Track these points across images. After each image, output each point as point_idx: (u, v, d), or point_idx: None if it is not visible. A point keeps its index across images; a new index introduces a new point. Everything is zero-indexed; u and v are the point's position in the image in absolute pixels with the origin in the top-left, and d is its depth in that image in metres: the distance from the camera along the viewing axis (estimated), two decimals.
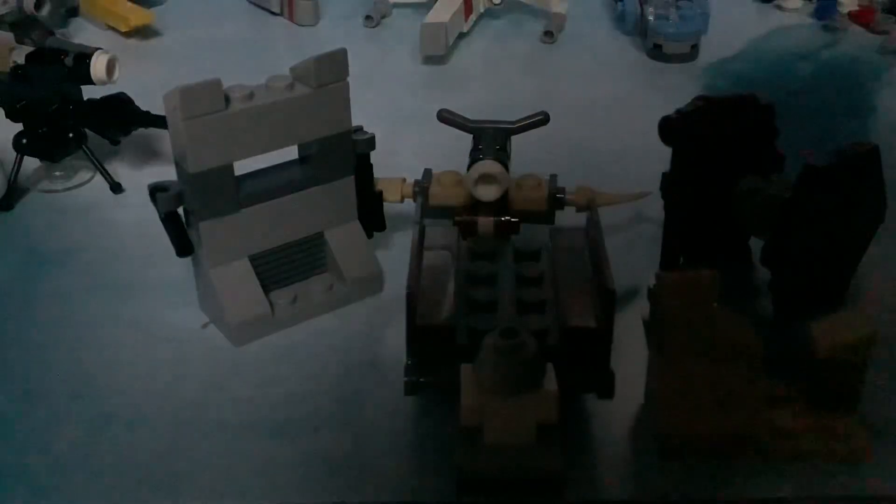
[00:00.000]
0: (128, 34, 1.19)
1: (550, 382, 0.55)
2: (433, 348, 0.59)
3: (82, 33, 1.20)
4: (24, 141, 0.84)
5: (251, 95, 0.64)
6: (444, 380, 0.58)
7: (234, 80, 0.65)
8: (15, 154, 0.84)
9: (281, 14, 1.26)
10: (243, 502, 0.55)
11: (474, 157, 0.70)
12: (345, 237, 0.71)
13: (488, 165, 0.69)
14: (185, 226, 0.66)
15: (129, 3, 1.21)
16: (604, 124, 0.98)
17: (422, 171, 0.77)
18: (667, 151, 0.65)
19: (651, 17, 1.14)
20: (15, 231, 0.81)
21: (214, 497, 0.55)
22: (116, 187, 0.87)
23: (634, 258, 0.76)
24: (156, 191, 0.64)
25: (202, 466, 0.57)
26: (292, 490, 0.56)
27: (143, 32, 1.20)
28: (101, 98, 0.85)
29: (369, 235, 0.73)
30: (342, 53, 0.66)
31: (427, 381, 0.58)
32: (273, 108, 0.65)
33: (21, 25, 1.04)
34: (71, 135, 0.85)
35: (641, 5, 1.17)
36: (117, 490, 0.56)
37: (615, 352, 0.60)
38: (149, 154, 0.92)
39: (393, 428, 0.58)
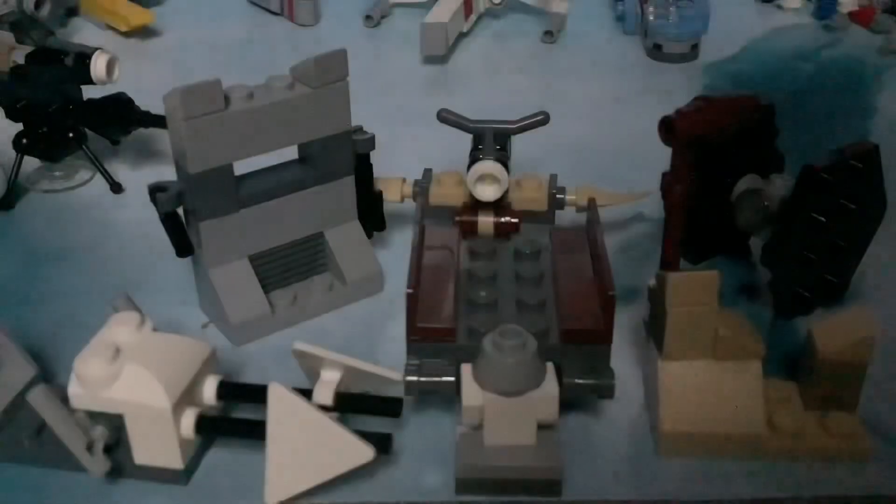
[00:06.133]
0: (128, 34, 1.19)
1: (550, 382, 0.55)
2: (433, 348, 0.59)
3: (82, 33, 1.20)
4: (24, 141, 0.84)
5: (251, 95, 0.64)
6: (444, 380, 0.58)
7: (234, 80, 0.65)
8: (15, 154, 0.84)
9: (281, 14, 1.26)
10: (245, 501, 0.55)
11: (474, 157, 0.70)
12: (345, 237, 0.71)
13: (488, 165, 0.69)
14: (185, 226, 0.66)
15: (129, 3, 1.21)
16: (604, 124, 0.98)
17: (422, 171, 0.77)
18: (667, 151, 0.65)
19: (651, 17, 1.14)
20: (15, 231, 0.81)
21: (218, 497, 0.55)
22: (116, 187, 0.87)
23: (634, 258, 0.76)
24: (156, 191, 0.64)
25: (205, 466, 0.57)
26: None
27: (143, 32, 1.20)
28: (101, 98, 0.85)
29: (369, 235, 0.73)
30: (342, 53, 0.66)
31: (427, 381, 0.58)
32: (273, 108, 0.65)
33: (21, 25, 1.04)
34: (71, 135, 0.85)
35: (641, 5, 1.17)
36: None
37: (615, 352, 0.60)
38: (149, 154, 0.92)
39: (393, 428, 0.58)
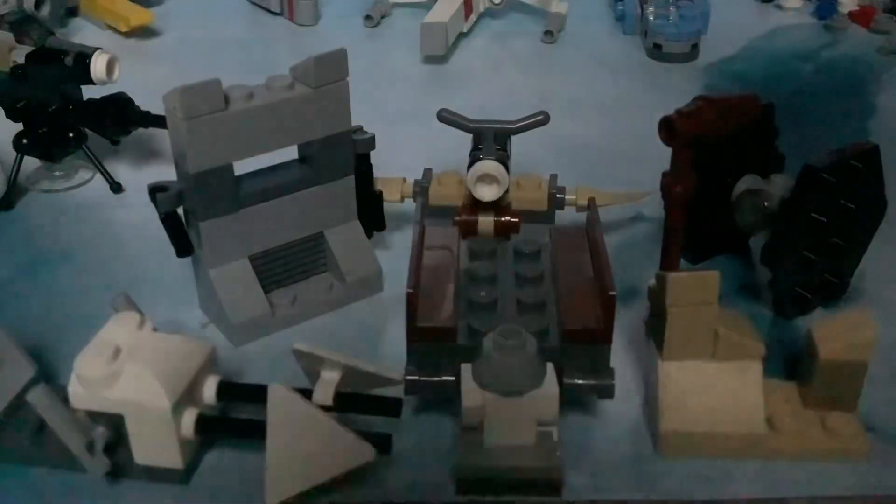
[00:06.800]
0: (128, 34, 1.19)
1: (550, 382, 0.55)
2: (433, 348, 0.59)
3: (82, 33, 1.20)
4: (24, 141, 0.84)
5: (251, 95, 0.64)
6: (444, 380, 0.58)
7: (234, 80, 0.65)
8: (15, 154, 0.84)
9: (281, 14, 1.26)
10: (245, 501, 0.55)
11: (474, 157, 0.70)
12: (345, 237, 0.71)
13: (488, 165, 0.69)
14: (185, 226, 0.66)
15: (129, 3, 1.21)
16: (604, 124, 0.98)
17: (422, 171, 0.77)
18: (667, 151, 0.65)
19: (651, 17, 1.14)
20: (15, 231, 0.81)
21: (218, 497, 0.55)
22: (116, 187, 0.87)
23: (634, 258, 0.76)
24: (156, 191, 0.64)
25: (205, 466, 0.57)
26: None
27: (143, 32, 1.20)
28: (101, 98, 0.85)
29: (369, 235, 0.73)
30: (342, 53, 0.66)
31: (427, 381, 0.58)
32: (273, 108, 0.65)
33: (21, 25, 1.04)
34: (71, 135, 0.85)
35: (641, 5, 1.17)
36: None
37: (615, 352, 0.60)
38: (149, 154, 0.92)
39: (393, 428, 0.58)
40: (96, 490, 0.56)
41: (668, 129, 0.63)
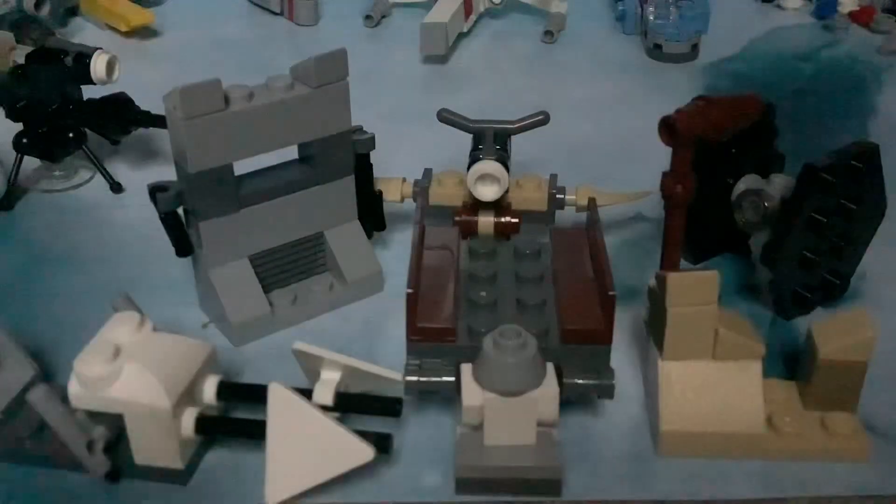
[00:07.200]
0: (128, 34, 1.19)
1: (550, 382, 0.55)
2: (433, 348, 0.59)
3: (82, 33, 1.20)
4: (24, 141, 0.84)
5: (251, 95, 0.64)
6: (444, 380, 0.58)
7: (234, 80, 0.65)
8: (15, 154, 0.84)
9: (281, 14, 1.26)
10: (245, 501, 0.55)
11: (474, 157, 0.70)
12: (345, 237, 0.71)
13: (488, 165, 0.69)
14: (185, 226, 0.66)
15: (129, 3, 1.21)
16: (604, 124, 0.98)
17: (422, 171, 0.77)
18: (667, 151, 0.65)
19: (651, 17, 1.14)
20: (15, 231, 0.81)
21: (218, 497, 0.55)
22: (116, 187, 0.87)
23: (634, 258, 0.76)
24: (156, 191, 0.64)
25: (205, 466, 0.57)
26: None
27: (143, 32, 1.20)
28: (101, 98, 0.85)
29: (369, 235, 0.73)
30: (342, 53, 0.66)
31: (427, 381, 0.58)
32: (273, 108, 0.65)
33: (21, 25, 1.04)
34: (71, 135, 0.85)
35: (641, 5, 1.17)
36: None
37: (615, 352, 0.60)
38: (149, 154, 0.92)
39: (393, 428, 0.58)
40: (96, 490, 0.56)
41: (669, 129, 0.63)
